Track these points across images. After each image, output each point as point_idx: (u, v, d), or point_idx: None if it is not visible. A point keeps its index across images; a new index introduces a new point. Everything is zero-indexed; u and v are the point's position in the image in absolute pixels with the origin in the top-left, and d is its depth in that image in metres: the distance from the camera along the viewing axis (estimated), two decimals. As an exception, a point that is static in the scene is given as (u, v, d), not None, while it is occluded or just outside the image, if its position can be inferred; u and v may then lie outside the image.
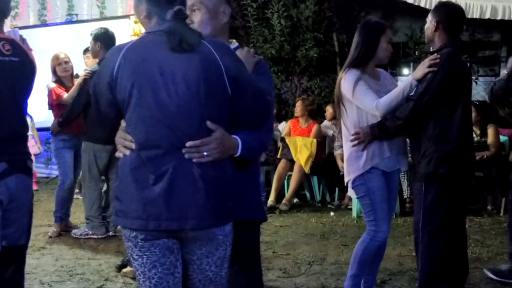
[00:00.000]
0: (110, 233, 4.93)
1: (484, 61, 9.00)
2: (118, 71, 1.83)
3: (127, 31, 7.21)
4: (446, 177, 2.95)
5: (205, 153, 1.80)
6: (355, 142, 3.02)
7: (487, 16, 6.27)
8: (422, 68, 2.96)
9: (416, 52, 7.62)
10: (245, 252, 2.08)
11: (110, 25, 7.43)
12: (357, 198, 3.16)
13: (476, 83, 8.24)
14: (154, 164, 1.80)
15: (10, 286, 2.49)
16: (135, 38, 7.84)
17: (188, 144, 1.80)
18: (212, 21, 2.07)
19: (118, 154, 1.90)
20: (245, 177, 2.02)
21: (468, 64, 8.65)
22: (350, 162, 3.08)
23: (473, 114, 5.80)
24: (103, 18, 7.86)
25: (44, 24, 8.27)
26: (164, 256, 1.86)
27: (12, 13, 8.47)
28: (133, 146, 1.84)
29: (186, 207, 1.79)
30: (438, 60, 2.91)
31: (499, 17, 6.27)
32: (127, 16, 7.49)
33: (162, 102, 1.80)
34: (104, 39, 4.76)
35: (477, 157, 5.60)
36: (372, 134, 2.98)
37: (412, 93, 2.98)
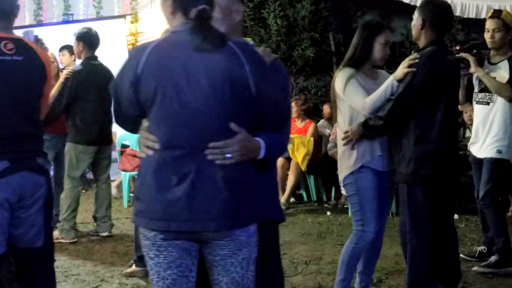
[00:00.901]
0: (103, 234, 4.87)
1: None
2: (143, 70, 1.81)
3: (123, 31, 7.21)
4: (427, 178, 2.90)
5: (228, 155, 1.79)
6: (345, 141, 3.03)
7: (483, 16, 6.26)
8: (402, 68, 2.92)
9: (412, 51, 7.62)
10: (265, 253, 2.04)
11: (106, 25, 7.45)
12: (347, 196, 3.17)
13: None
14: (177, 165, 1.79)
15: None
16: (131, 38, 7.81)
17: (211, 145, 1.79)
18: (226, 20, 2.05)
19: (140, 154, 1.89)
20: (264, 178, 2.01)
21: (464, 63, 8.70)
22: (342, 161, 3.10)
23: (468, 113, 5.82)
24: (99, 18, 7.84)
25: (40, 24, 8.24)
26: (181, 258, 1.85)
27: (8, 13, 8.45)
28: (156, 146, 1.82)
29: (208, 209, 1.78)
30: (417, 60, 2.88)
31: (495, 17, 6.27)
32: (123, 16, 7.48)
33: (186, 102, 1.79)
34: (87, 39, 4.76)
35: None
36: (359, 133, 2.99)
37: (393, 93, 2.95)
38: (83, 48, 4.77)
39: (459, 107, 4.39)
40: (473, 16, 6.34)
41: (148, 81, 1.81)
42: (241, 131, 1.82)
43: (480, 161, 4.09)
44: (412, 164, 2.89)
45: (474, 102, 4.15)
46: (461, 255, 4.14)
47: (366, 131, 2.98)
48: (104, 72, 4.88)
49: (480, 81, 4.04)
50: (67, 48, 5.30)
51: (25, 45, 2.49)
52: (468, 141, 5.77)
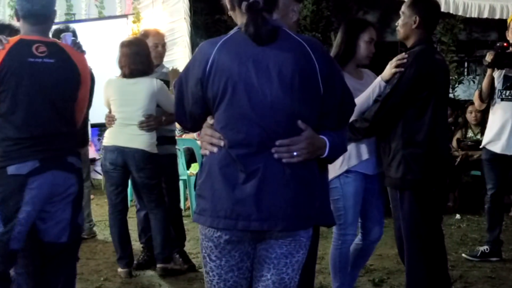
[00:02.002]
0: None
1: (481, 60, 9.00)
2: (212, 67, 1.78)
3: (125, 31, 7.21)
4: (417, 182, 2.83)
5: (295, 153, 1.77)
6: None
7: (485, 15, 6.27)
8: (389, 69, 2.85)
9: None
10: (309, 255, 2.01)
11: (108, 25, 7.46)
12: (330, 200, 3.05)
13: (473, 81, 8.25)
14: (245, 163, 1.76)
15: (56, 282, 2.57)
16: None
17: (277, 142, 1.76)
18: (283, 20, 2.00)
19: (204, 152, 1.85)
20: (322, 179, 1.99)
21: (465, 63, 8.70)
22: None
23: (473, 113, 5.84)
24: (101, 17, 7.84)
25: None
26: (242, 261, 1.83)
27: (11, 13, 8.45)
28: (222, 143, 1.79)
29: (276, 208, 1.75)
30: (405, 60, 2.80)
31: (497, 17, 6.27)
32: (125, 16, 7.48)
33: (256, 100, 1.76)
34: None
35: (475, 156, 5.61)
36: None
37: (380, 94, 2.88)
38: None
39: (477, 105, 4.43)
40: (475, 16, 6.34)
41: (217, 78, 1.78)
42: (308, 129, 1.79)
43: (500, 158, 4.08)
44: (401, 168, 2.82)
45: (497, 100, 4.13)
46: (463, 255, 4.19)
47: (351, 134, 2.87)
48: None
49: (505, 78, 4.03)
50: None
51: (59, 48, 2.60)
52: (470, 141, 5.81)
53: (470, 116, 5.87)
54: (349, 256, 3.10)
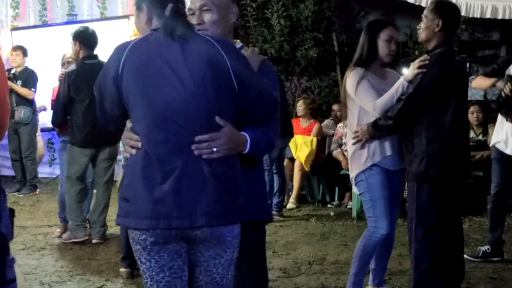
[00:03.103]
0: (94, 241, 4.76)
1: (483, 60, 8.99)
2: (124, 66, 1.83)
3: (127, 32, 7.21)
4: (438, 177, 2.95)
5: (214, 149, 1.79)
6: (354, 140, 3.08)
7: (488, 15, 6.27)
8: (412, 69, 2.97)
9: (416, 51, 7.62)
10: (251, 253, 2.07)
11: (110, 25, 7.47)
12: (359, 194, 3.23)
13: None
14: (163, 161, 1.78)
15: None
16: (135, 38, 7.82)
17: (197, 138, 1.78)
18: (223, 21, 2.08)
19: (125, 155, 1.91)
20: (250, 176, 2.00)
21: (467, 64, 8.69)
22: (353, 160, 3.15)
23: (475, 114, 5.83)
24: (103, 18, 7.86)
25: (44, 24, 8.27)
26: (172, 260, 1.85)
27: (13, 13, 8.48)
28: (139, 145, 1.82)
29: (196, 205, 1.77)
30: (427, 62, 2.92)
31: (499, 17, 6.27)
32: (127, 17, 7.49)
33: (169, 97, 1.79)
34: (83, 38, 4.65)
35: (477, 156, 5.60)
36: (369, 133, 3.04)
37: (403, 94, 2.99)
38: (79, 47, 4.65)
39: (474, 84, 4.41)
40: (478, 16, 6.33)
41: (130, 77, 1.82)
42: (226, 125, 1.82)
43: (509, 158, 4.11)
44: (423, 163, 2.93)
45: None
46: (465, 256, 4.18)
47: (375, 131, 3.03)
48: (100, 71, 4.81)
49: None
50: (21, 48, 5.08)
51: None
52: (472, 142, 5.79)
53: (472, 117, 5.86)
54: (373, 251, 3.16)
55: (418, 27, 3.10)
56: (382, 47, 3.10)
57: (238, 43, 2.20)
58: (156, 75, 1.81)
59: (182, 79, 1.80)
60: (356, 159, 3.12)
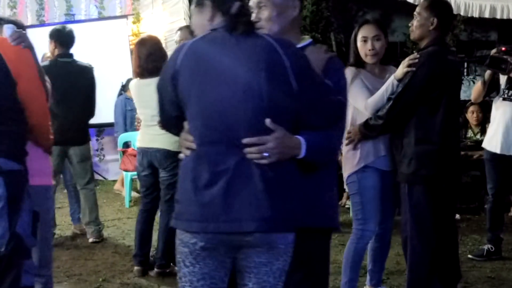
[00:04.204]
0: (90, 240, 4.70)
1: (481, 60, 9.00)
2: (181, 66, 1.79)
3: (125, 31, 7.21)
4: (429, 178, 2.89)
5: (265, 154, 1.72)
6: (347, 141, 3.04)
7: (486, 15, 6.27)
8: (402, 68, 2.92)
9: (414, 51, 7.63)
10: (308, 261, 1.98)
11: (108, 25, 7.47)
12: (349, 195, 3.20)
13: (473, 82, 8.24)
14: (214, 162, 1.73)
15: None
16: (133, 38, 7.81)
17: (245, 140, 1.72)
18: (281, 18, 2.00)
19: (180, 156, 1.85)
20: (314, 181, 1.92)
21: (465, 64, 8.70)
22: (346, 160, 3.11)
23: (475, 113, 5.82)
24: (101, 18, 7.85)
25: (42, 24, 8.26)
26: (216, 270, 1.80)
27: (10, 13, 8.45)
28: (194, 146, 1.78)
29: (245, 209, 1.71)
30: (417, 60, 2.87)
31: (498, 16, 6.27)
32: (125, 16, 7.48)
33: (222, 97, 1.74)
34: (58, 37, 4.64)
35: (475, 156, 5.59)
36: (361, 133, 3.01)
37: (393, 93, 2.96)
38: (55, 46, 4.63)
39: (473, 97, 4.44)
40: (477, 16, 6.33)
41: (186, 77, 1.78)
42: (278, 129, 1.75)
43: (501, 158, 4.09)
44: (413, 164, 2.88)
45: (499, 99, 4.14)
46: (468, 256, 4.18)
47: (367, 131, 3.00)
48: (74, 69, 4.67)
49: (509, 78, 4.05)
50: None
51: None
52: (469, 141, 5.79)
53: (471, 116, 5.85)
54: (363, 253, 3.13)
55: (410, 25, 3.02)
56: (360, 48, 3.07)
57: (307, 39, 2.12)
58: (211, 75, 1.76)
59: (237, 80, 1.74)
60: (349, 159, 3.08)
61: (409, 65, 2.89)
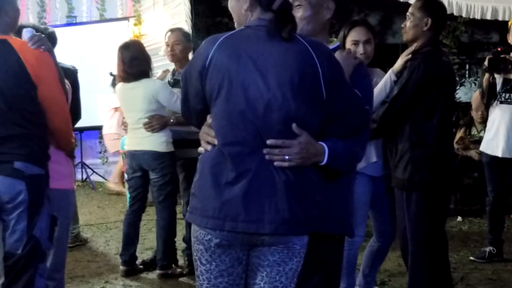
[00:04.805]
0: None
1: (483, 62, 9.02)
2: (211, 61, 1.75)
3: (126, 33, 7.21)
4: (424, 184, 2.83)
5: (286, 157, 1.71)
6: None
7: (488, 17, 6.27)
8: (400, 61, 2.87)
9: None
10: (324, 267, 1.98)
11: (109, 27, 7.48)
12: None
13: (475, 84, 8.24)
14: (237, 162, 1.71)
15: None
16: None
17: (269, 142, 1.70)
18: (315, 18, 1.99)
19: (200, 150, 1.83)
20: (334, 188, 1.91)
21: (467, 66, 8.70)
22: None
23: (480, 112, 5.81)
24: (102, 20, 7.86)
25: (43, 26, 8.27)
26: (233, 267, 1.78)
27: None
28: (216, 141, 1.76)
29: (264, 211, 1.70)
30: (416, 49, 2.81)
31: (500, 18, 6.27)
32: (126, 18, 7.49)
33: (252, 97, 1.71)
34: None
35: (474, 152, 5.58)
36: None
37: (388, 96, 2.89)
38: None
39: (474, 107, 4.44)
40: (478, 17, 6.34)
41: (216, 72, 1.74)
42: (303, 134, 1.73)
43: (500, 161, 4.09)
44: (408, 169, 2.83)
45: (496, 102, 4.14)
46: (470, 257, 4.18)
47: None
48: None
49: (504, 81, 4.04)
50: None
51: (5, 46, 2.35)
52: (472, 139, 5.79)
53: (476, 115, 5.82)
54: (356, 258, 3.11)
55: (403, 26, 2.97)
56: None
57: (335, 42, 2.11)
58: (241, 73, 1.72)
59: (268, 81, 1.71)
60: None
61: (407, 61, 2.84)
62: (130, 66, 3.79)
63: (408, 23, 2.91)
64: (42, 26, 4.73)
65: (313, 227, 1.79)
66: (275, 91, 1.71)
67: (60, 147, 2.61)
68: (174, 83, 3.97)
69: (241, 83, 1.72)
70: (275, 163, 1.71)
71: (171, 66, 4.21)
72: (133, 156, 3.88)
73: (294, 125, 1.72)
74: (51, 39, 4.59)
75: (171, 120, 3.82)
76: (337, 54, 1.96)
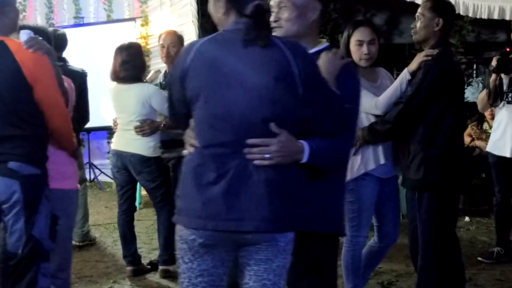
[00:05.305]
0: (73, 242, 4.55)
1: (490, 62, 8.99)
2: (190, 67, 1.79)
3: (133, 34, 7.24)
4: (437, 184, 2.85)
5: (266, 155, 1.74)
6: None
7: (495, 16, 6.24)
8: (417, 61, 2.88)
9: (423, 53, 7.61)
10: (319, 266, 2.00)
11: (116, 28, 7.50)
12: (346, 201, 3.07)
13: (482, 83, 8.20)
14: (217, 163, 1.75)
15: None
16: (141, 41, 7.83)
17: (249, 141, 1.74)
18: (300, 19, 2.00)
19: (184, 152, 1.88)
20: (322, 186, 1.93)
21: (474, 65, 8.67)
22: None
23: (488, 111, 5.78)
24: (109, 21, 7.89)
25: (51, 27, 8.32)
26: (215, 267, 1.81)
27: (20, 16, 8.49)
28: (197, 144, 1.81)
29: (244, 209, 1.73)
30: (435, 53, 2.82)
31: (507, 18, 6.24)
32: (133, 19, 7.51)
33: (229, 101, 1.75)
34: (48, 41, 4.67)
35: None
36: (363, 138, 2.91)
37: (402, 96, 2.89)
38: None
39: (480, 107, 4.42)
40: (485, 17, 6.32)
41: (194, 77, 1.79)
42: (282, 133, 1.76)
43: (507, 162, 4.09)
44: (422, 170, 2.84)
45: (503, 103, 4.12)
46: (478, 258, 4.17)
47: (372, 136, 2.89)
48: (65, 74, 4.60)
49: (511, 81, 4.04)
50: None
51: (2, 46, 2.38)
52: (485, 133, 5.76)
53: (487, 112, 5.79)
54: (361, 259, 3.10)
55: (412, 26, 2.98)
56: (353, 52, 2.96)
57: (324, 43, 2.11)
58: (219, 77, 1.76)
59: (245, 84, 1.74)
60: (348, 166, 2.99)
61: (425, 59, 2.84)
62: (121, 70, 3.82)
63: (418, 24, 2.92)
64: (51, 28, 4.77)
65: (297, 225, 1.81)
66: (252, 93, 1.74)
67: (61, 148, 2.64)
68: (165, 85, 3.99)
69: (220, 87, 1.76)
70: (256, 162, 1.74)
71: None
72: (119, 156, 3.90)
73: (272, 125, 1.75)
74: (61, 41, 4.65)
75: (162, 125, 3.84)
76: (324, 55, 1.97)
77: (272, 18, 1.97)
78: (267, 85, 1.74)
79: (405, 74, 2.92)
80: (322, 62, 1.94)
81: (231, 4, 1.83)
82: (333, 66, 1.94)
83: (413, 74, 2.91)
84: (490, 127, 5.82)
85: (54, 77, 2.49)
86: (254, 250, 1.79)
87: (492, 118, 5.77)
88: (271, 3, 2.04)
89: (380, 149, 2.96)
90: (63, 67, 4.63)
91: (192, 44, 1.86)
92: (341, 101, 1.86)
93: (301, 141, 1.81)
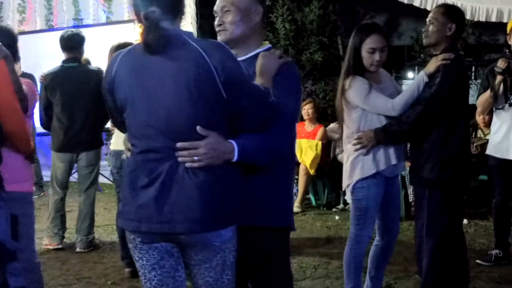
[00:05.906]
0: (77, 250, 4.61)
1: (490, 64, 8.99)
2: (114, 78, 1.87)
3: (132, 36, 7.24)
4: (449, 182, 2.95)
5: (195, 158, 1.79)
6: (358, 146, 2.97)
7: (493, 19, 6.26)
8: (434, 63, 2.92)
9: (422, 55, 7.62)
10: (269, 259, 2.05)
11: (115, 29, 7.51)
12: (352, 199, 3.10)
13: (481, 86, 8.21)
14: (149, 168, 1.82)
15: None
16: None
17: (178, 145, 1.79)
18: (243, 22, 2.07)
19: (123, 157, 1.98)
20: (263, 182, 1.99)
21: (473, 67, 8.68)
22: (354, 165, 3.02)
23: (481, 116, 5.79)
24: (108, 22, 7.90)
25: (51, 28, 8.32)
26: (163, 259, 1.88)
27: (19, 18, 8.53)
28: (133, 149, 1.89)
29: (176, 211, 1.79)
30: (452, 57, 2.88)
31: (505, 20, 6.25)
32: (133, 21, 7.52)
33: (153, 107, 1.81)
34: (61, 43, 4.65)
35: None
36: (376, 139, 2.93)
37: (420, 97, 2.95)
38: (63, 52, 4.67)
39: (480, 110, 4.44)
40: (483, 20, 6.33)
41: (120, 88, 1.87)
42: (210, 135, 1.81)
43: (508, 164, 4.10)
44: (437, 168, 2.93)
45: (505, 105, 4.12)
46: (477, 260, 4.17)
47: (386, 137, 2.92)
48: (80, 74, 4.62)
49: None
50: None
51: None
52: (478, 141, 5.76)
53: (480, 119, 5.82)
54: (363, 258, 3.13)
55: (424, 30, 3.02)
56: (365, 58, 2.97)
57: (266, 45, 2.16)
58: (140, 86, 1.82)
59: (165, 89, 1.79)
60: (357, 165, 3.00)
61: (443, 61, 2.89)
62: None
63: (430, 28, 2.98)
64: (72, 30, 4.79)
65: (236, 220, 1.86)
66: (174, 97, 1.79)
67: (18, 151, 2.65)
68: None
69: (142, 95, 1.82)
70: (186, 165, 1.80)
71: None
72: (118, 156, 3.90)
73: (198, 127, 1.80)
74: (71, 42, 4.61)
75: None
76: (261, 55, 2.02)
77: (216, 22, 2.06)
78: (188, 87, 1.77)
79: (422, 77, 2.97)
80: (259, 62, 2.00)
81: (135, 13, 1.90)
82: (270, 65, 1.99)
83: (430, 76, 2.95)
84: (485, 134, 5.83)
85: (9, 82, 2.48)
86: (192, 252, 1.87)
87: (485, 125, 5.80)
88: (215, 8, 2.11)
89: (391, 149, 3.01)
90: (78, 67, 4.63)
91: (116, 56, 1.91)
92: (265, 96, 1.89)
93: (230, 140, 1.86)
